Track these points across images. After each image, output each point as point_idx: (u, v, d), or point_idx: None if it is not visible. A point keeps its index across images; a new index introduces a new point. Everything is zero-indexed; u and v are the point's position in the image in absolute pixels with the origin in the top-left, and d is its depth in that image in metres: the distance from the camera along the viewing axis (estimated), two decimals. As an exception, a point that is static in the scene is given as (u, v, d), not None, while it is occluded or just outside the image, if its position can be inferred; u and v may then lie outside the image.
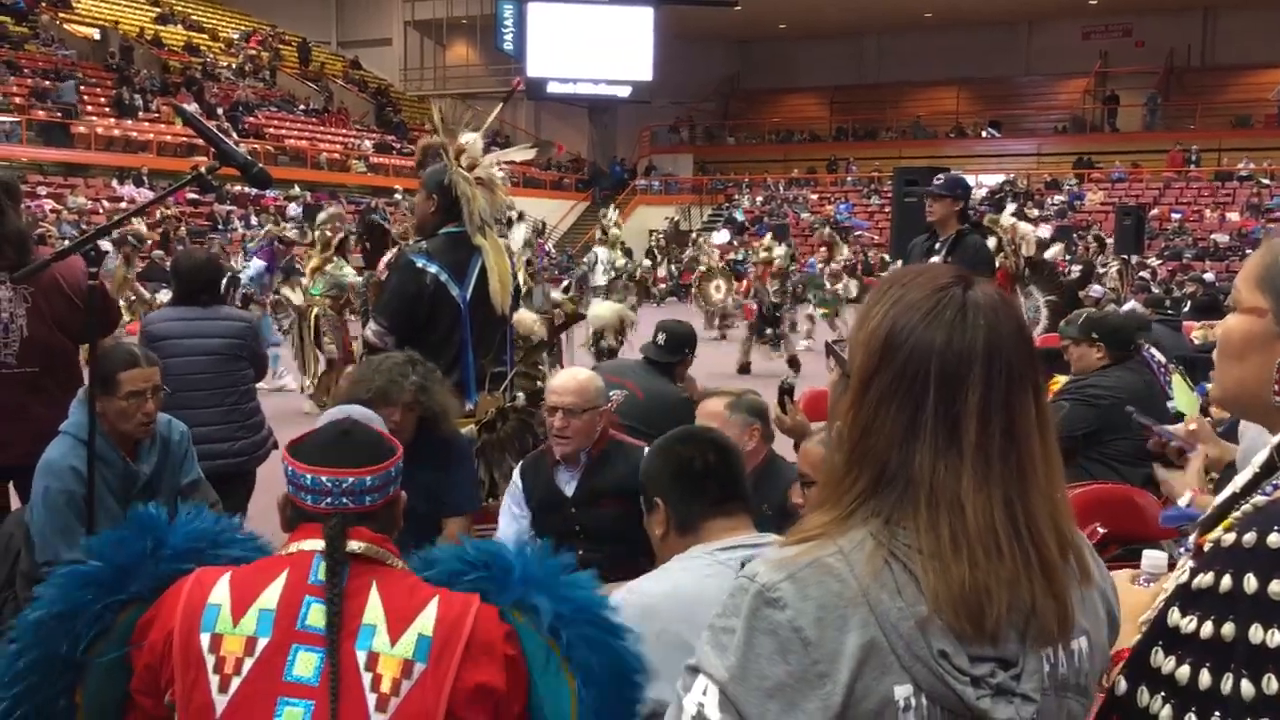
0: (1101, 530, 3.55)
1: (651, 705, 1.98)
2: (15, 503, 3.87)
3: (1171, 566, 2.25)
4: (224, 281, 6.85)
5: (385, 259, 7.44)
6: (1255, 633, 1.12)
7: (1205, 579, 1.19)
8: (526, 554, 1.90)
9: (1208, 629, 1.16)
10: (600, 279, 15.39)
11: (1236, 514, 1.25)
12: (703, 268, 18.09)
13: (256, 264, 11.97)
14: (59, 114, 24.89)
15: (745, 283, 16.74)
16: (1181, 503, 2.76)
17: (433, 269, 4.22)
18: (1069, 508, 1.24)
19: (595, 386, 3.54)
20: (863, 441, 1.20)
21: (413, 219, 6.20)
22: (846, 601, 1.13)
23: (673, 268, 27.73)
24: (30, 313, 3.82)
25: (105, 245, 13.75)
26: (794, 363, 12.99)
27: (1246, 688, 1.11)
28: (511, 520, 3.65)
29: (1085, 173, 32.73)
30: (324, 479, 1.83)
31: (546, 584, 1.83)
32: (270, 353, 11.93)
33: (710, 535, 2.20)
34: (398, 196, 25.40)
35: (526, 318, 4.42)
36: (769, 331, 13.59)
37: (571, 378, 3.59)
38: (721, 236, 30.22)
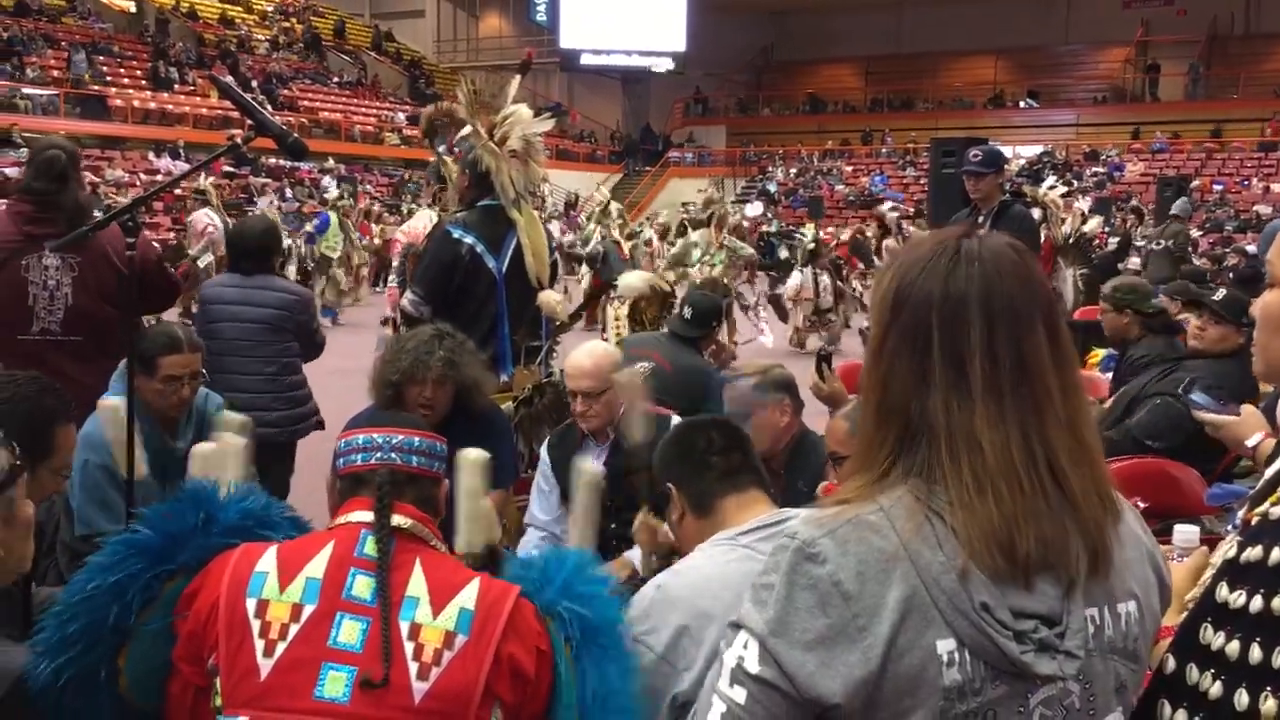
0: (1142, 505, 3.51)
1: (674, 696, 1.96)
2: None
3: (1209, 542, 2.23)
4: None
5: (420, 226, 7.46)
6: None
7: (1254, 552, 1.18)
8: (570, 562, 1.92)
9: (1257, 603, 1.15)
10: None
11: (1286, 488, 1.23)
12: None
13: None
14: (94, 88, 25.06)
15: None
16: (1250, 443, 2.74)
17: (469, 239, 4.22)
18: (1097, 442, 1.24)
19: (610, 364, 3.46)
20: (883, 398, 1.23)
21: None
22: (888, 556, 1.15)
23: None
24: (76, 282, 3.90)
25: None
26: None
27: None
28: (541, 496, 3.63)
29: (1127, 143, 32.22)
30: (375, 436, 1.95)
31: (578, 596, 1.85)
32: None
33: (728, 516, 2.13)
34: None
35: (549, 298, 4.41)
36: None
37: (587, 358, 3.46)
38: (755, 209, 30.06)
